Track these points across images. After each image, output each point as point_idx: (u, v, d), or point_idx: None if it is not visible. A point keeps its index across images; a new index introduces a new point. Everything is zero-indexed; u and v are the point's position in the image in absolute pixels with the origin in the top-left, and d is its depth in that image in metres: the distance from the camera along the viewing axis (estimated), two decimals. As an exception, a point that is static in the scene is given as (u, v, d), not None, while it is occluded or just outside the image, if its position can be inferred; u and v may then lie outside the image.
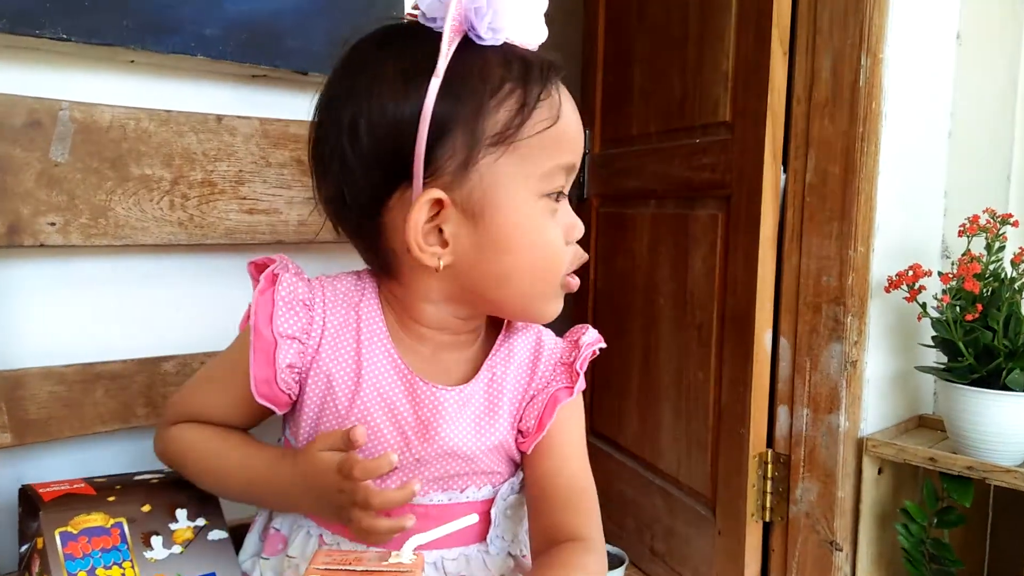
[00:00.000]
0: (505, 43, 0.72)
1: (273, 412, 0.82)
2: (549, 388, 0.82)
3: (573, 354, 0.84)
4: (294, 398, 0.79)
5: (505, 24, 0.70)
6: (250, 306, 0.82)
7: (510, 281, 0.75)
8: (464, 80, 0.70)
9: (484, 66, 0.71)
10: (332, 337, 0.78)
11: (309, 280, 0.80)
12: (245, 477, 0.81)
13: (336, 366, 0.77)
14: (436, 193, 0.71)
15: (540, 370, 0.83)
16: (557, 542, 0.77)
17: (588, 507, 0.82)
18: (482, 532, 0.80)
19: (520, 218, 0.72)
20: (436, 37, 0.70)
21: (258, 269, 0.80)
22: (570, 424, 0.85)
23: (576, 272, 0.79)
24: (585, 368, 0.83)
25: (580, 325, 0.87)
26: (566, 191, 0.77)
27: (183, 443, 0.86)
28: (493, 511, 0.80)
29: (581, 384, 0.83)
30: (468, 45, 0.71)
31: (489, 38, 0.71)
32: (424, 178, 0.71)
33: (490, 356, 0.82)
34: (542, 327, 0.87)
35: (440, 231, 0.73)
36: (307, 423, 0.79)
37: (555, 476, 0.82)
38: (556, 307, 0.79)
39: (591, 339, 0.85)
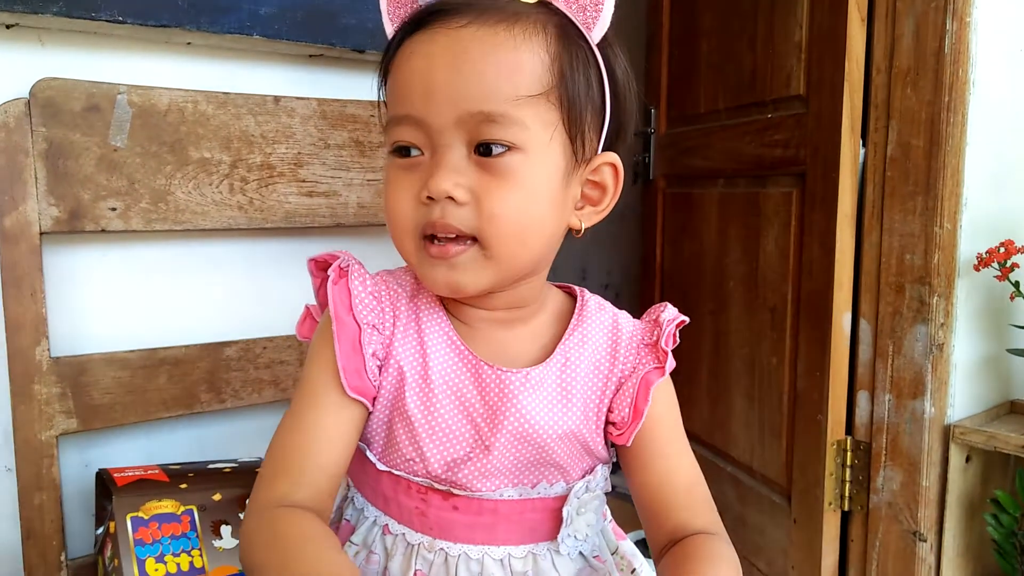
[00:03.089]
0: None
1: (364, 418, 0.76)
2: (638, 372, 0.77)
3: (655, 333, 0.78)
4: (376, 393, 0.75)
5: None
6: (306, 310, 0.81)
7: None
8: None
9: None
10: (401, 331, 0.75)
11: (372, 276, 0.77)
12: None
13: (407, 360, 0.74)
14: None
15: (622, 355, 0.79)
16: (683, 539, 0.74)
17: (708, 501, 0.78)
18: (553, 530, 0.76)
19: (383, 178, 0.74)
20: None
21: (318, 265, 0.77)
22: (670, 416, 0.80)
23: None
24: (671, 345, 0.78)
25: (658, 304, 0.81)
26: (430, 146, 0.68)
27: (281, 526, 0.68)
28: (566, 509, 0.75)
29: (671, 363, 0.78)
30: None
31: None
32: None
33: (563, 341, 0.77)
34: (617, 309, 0.82)
35: None
36: (378, 421, 0.76)
37: (671, 479, 0.78)
38: (428, 273, 0.71)
39: (671, 315, 0.79)
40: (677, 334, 0.79)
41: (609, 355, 0.79)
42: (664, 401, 0.79)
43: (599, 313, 0.81)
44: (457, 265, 0.69)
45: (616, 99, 0.73)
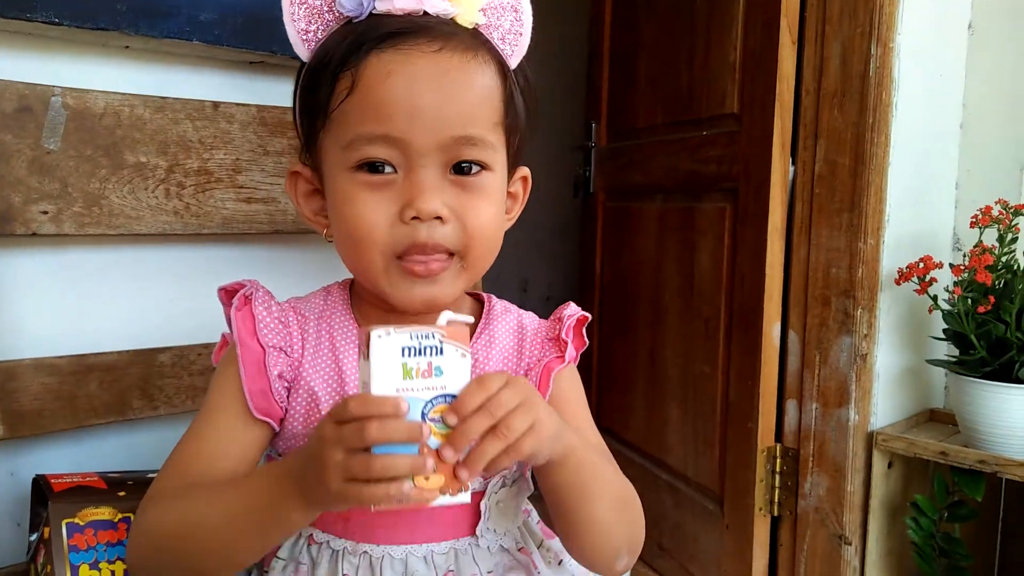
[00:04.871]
0: (374, 14, 0.71)
1: (268, 439, 0.78)
2: (541, 362, 0.81)
3: (557, 328, 0.83)
4: (283, 414, 0.77)
5: None
6: (223, 338, 0.82)
7: (342, 255, 0.77)
8: (313, 59, 0.74)
9: (327, 43, 0.73)
10: (311, 353, 0.77)
11: (279, 303, 0.79)
12: (240, 501, 0.68)
13: (319, 381, 0.76)
14: (295, 166, 0.78)
15: (527, 350, 0.83)
16: None
17: (615, 467, 0.81)
18: (473, 525, 0.78)
19: (335, 192, 0.73)
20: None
21: (228, 294, 0.79)
22: (575, 398, 0.84)
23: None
24: (571, 336, 0.82)
25: (562, 304, 0.85)
26: (405, 165, 0.70)
27: (159, 513, 0.72)
28: (483, 503, 0.78)
29: (571, 352, 0.82)
30: (346, 24, 0.73)
31: (351, 9, 0.71)
32: (308, 153, 0.77)
33: (472, 343, 0.80)
34: (522, 311, 0.87)
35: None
36: (295, 437, 0.77)
37: None
38: (403, 291, 0.72)
39: (572, 311, 0.84)
40: (584, 334, 0.84)
41: (515, 352, 0.83)
42: (569, 385, 0.83)
43: (505, 315, 0.85)
44: (438, 281, 0.73)
45: (527, 119, 0.79)
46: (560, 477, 0.71)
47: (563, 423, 0.70)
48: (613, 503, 0.76)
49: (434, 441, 0.60)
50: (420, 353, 0.60)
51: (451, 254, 0.72)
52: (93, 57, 1.02)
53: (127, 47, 1.04)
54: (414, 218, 0.69)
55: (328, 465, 0.58)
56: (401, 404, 0.58)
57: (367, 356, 0.59)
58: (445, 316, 0.64)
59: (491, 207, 0.74)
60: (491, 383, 0.62)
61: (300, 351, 0.77)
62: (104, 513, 0.92)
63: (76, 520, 0.91)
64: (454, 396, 0.61)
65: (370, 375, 0.58)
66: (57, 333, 1.03)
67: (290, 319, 0.77)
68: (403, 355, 0.59)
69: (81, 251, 1.05)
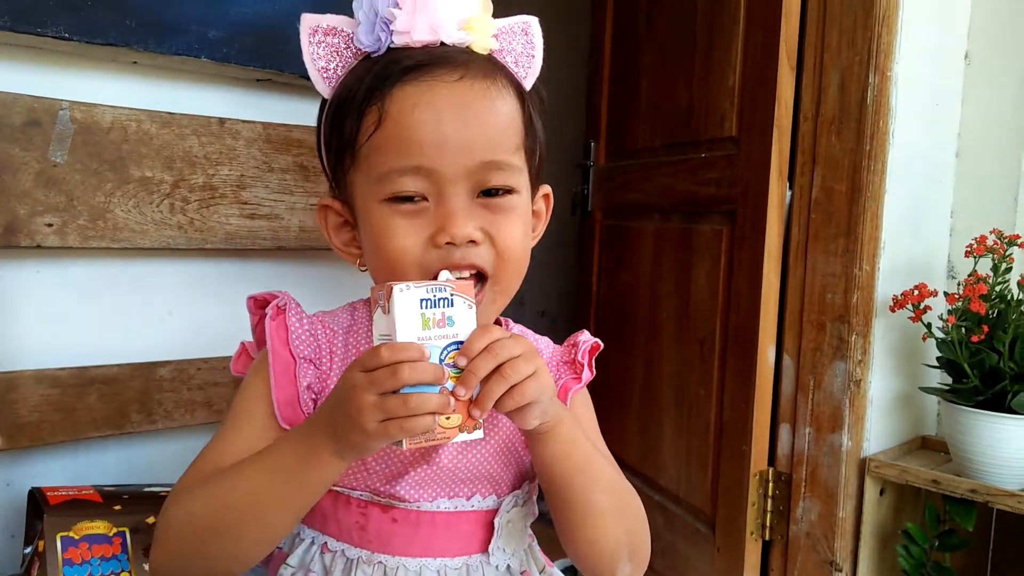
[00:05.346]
0: (393, 48, 0.73)
1: None
2: (558, 383, 0.83)
3: (573, 352, 0.85)
4: None
5: (383, 30, 0.72)
6: (241, 347, 0.83)
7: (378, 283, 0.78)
8: (336, 95, 0.76)
9: (348, 79, 0.75)
10: (339, 366, 0.78)
11: (309, 316, 0.81)
12: (268, 464, 0.70)
13: None
14: (325, 200, 0.80)
15: None
16: None
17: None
18: (485, 541, 0.80)
19: (369, 223, 0.75)
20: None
21: (256, 303, 0.81)
22: (587, 418, 0.86)
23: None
24: (587, 360, 0.84)
25: (576, 332, 0.87)
26: (435, 193, 0.72)
27: (185, 504, 0.72)
28: (496, 521, 0.80)
29: (587, 374, 0.84)
30: (365, 59, 0.75)
31: (369, 44, 0.73)
32: (337, 187, 0.79)
33: None
34: (537, 335, 0.89)
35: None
36: None
37: None
38: None
39: (586, 338, 0.86)
40: (593, 363, 0.85)
41: None
42: (582, 405, 0.86)
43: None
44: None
45: (543, 137, 0.81)
46: (555, 447, 0.73)
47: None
48: (610, 492, 0.78)
49: (450, 384, 0.65)
50: (435, 305, 0.65)
51: (483, 277, 0.74)
52: (102, 72, 1.03)
53: (135, 63, 1.04)
54: (449, 243, 0.72)
55: (363, 408, 0.62)
56: (425, 349, 0.63)
57: (387, 310, 0.64)
58: (444, 275, 0.70)
59: (519, 226, 0.76)
60: (495, 330, 0.67)
61: (329, 364, 0.78)
62: (99, 527, 0.92)
63: (71, 534, 0.91)
64: (463, 343, 0.66)
65: (395, 326, 0.64)
66: (59, 345, 1.03)
67: (319, 332, 0.79)
68: (421, 307, 0.65)
69: (85, 264, 1.05)
